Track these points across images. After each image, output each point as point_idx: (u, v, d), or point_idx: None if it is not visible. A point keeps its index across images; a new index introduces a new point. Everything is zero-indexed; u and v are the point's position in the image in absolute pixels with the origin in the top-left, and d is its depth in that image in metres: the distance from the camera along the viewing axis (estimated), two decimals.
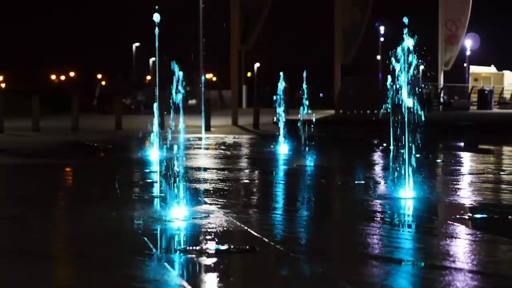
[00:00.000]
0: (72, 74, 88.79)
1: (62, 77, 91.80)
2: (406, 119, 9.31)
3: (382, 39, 78.72)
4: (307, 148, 18.69)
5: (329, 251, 6.63)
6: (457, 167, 14.25)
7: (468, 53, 62.63)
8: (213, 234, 6.80)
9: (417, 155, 9.35)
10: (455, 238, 6.97)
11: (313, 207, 9.15)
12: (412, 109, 9.35)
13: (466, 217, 8.02)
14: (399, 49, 9.37)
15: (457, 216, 8.06)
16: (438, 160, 15.57)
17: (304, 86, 17.93)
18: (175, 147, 8.02)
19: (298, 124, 17.37)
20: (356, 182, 11.54)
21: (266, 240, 6.66)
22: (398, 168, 9.40)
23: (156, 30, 9.50)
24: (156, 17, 9.49)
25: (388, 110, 9.31)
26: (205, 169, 13.33)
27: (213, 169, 13.53)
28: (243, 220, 7.70)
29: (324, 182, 12.04)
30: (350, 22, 40.36)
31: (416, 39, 9.22)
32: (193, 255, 6.05)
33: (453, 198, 9.62)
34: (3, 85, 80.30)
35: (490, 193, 10.12)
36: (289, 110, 17.75)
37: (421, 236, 7.22)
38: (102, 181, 11.84)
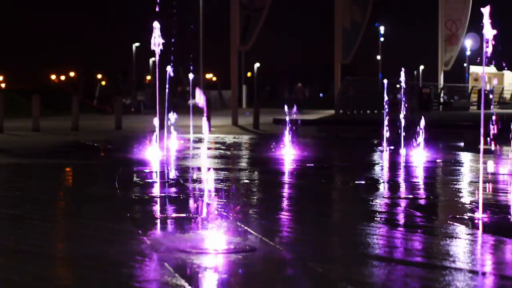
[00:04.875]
0: (72, 74, 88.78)
1: (62, 77, 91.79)
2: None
3: (382, 39, 78.67)
4: (307, 148, 18.69)
5: (329, 251, 6.63)
6: (457, 167, 14.25)
7: (468, 53, 62.58)
8: (213, 233, 6.80)
9: (416, 155, 9.37)
10: (455, 238, 6.97)
11: (313, 207, 9.14)
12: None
13: (466, 217, 8.02)
14: None
15: (457, 216, 8.06)
16: (438, 160, 15.56)
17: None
18: (175, 147, 8.02)
19: (298, 124, 17.37)
20: (356, 182, 11.55)
21: (266, 240, 6.66)
22: (397, 168, 9.42)
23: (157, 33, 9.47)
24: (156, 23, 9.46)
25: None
26: (205, 169, 13.32)
27: (213, 169, 13.52)
28: (243, 220, 7.70)
29: (324, 182, 12.04)
30: (350, 22, 40.32)
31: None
32: (193, 255, 6.05)
33: (453, 198, 9.62)
34: (3, 85, 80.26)
35: (487, 194, 10.10)
36: (299, 110, 17.67)
37: (421, 236, 7.22)
38: (102, 181, 11.84)
